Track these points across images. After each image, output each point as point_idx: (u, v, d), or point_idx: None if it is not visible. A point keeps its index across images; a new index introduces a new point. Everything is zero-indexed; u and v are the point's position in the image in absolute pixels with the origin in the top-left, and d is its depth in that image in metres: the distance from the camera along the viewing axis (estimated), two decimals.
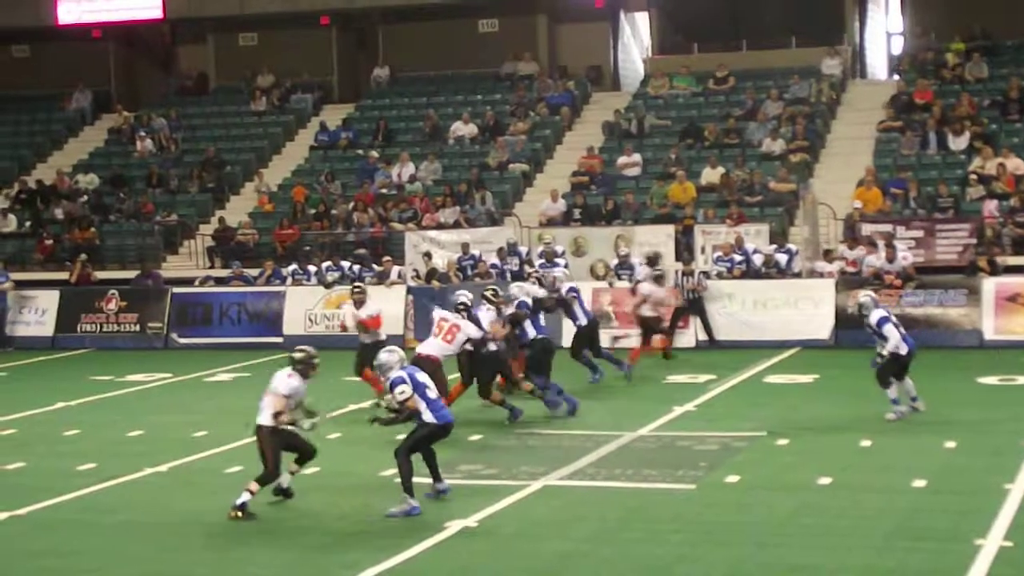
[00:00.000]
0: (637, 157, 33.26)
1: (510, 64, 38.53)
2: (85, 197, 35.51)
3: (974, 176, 29.78)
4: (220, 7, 39.26)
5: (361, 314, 20.38)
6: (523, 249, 28.92)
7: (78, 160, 38.23)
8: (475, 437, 17.59)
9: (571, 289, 22.13)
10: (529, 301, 20.06)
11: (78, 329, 29.54)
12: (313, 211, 32.89)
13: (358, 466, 16.09)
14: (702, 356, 24.98)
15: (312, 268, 29.22)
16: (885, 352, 17.91)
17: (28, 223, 34.84)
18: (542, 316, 20.56)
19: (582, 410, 18.90)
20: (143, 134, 37.98)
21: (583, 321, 21.68)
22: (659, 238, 28.77)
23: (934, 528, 12.68)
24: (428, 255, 28.79)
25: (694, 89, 36.29)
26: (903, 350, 17.92)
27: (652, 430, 17.97)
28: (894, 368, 17.99)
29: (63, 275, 31.29)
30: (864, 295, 18.89)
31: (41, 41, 41.15)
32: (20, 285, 30.35)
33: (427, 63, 38.92)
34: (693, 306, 26.09)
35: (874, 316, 18.06)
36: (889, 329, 17.89)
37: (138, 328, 29.27)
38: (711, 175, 31.76)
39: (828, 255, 27.31)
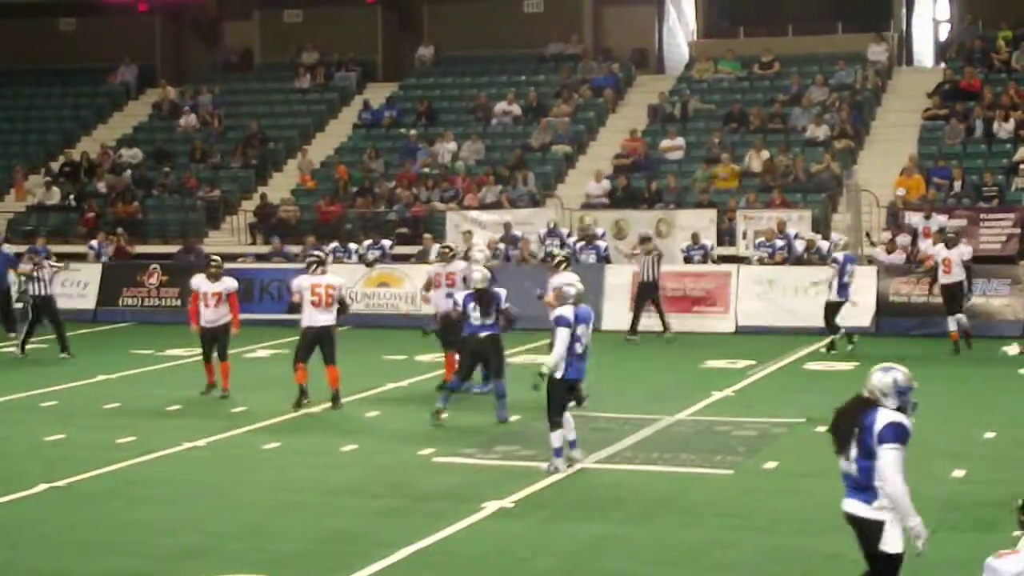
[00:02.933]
0: (680, 141, 33.15)
1: (555, 45, 38.43)
2: (129, 171, 35.68)
3: (1022, 165, 29.54)
4: None
5: (216, 289, 19.25)
6: (564, 231, 28.88)
7: (122, 134, 38.39)
8: (513, 418, 17.57)
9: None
10: (459, 297, 18.32)
11: (119, 303, 29.70)
12: (355, 189, 32.95)
13: (395, 445, 16.11)
14: (741, 341, 24.89)
15: (353, 246, 29.27)
16: None
17: (72, 196, 35.04)
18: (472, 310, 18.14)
19: (620, 393, 18.81)
20: (187, 109, 38.11)
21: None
22: (701, 222, 28.67)
23: (973, 518, 12.60)
24: (469, 233, 28.70)
25: (739, 73, 36.12)
26: None
27: (690, 415, 17.92)
28: None
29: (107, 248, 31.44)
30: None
31: (88, 15, 41.28)
32: (61, 257, 30.45)
33: (471, 43, 38.86)
34: (646, 290, 25.24)
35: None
36: None
37: (179, 303, 29.33)
38: (754, 160, 31.61)
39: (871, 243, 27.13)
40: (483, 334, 17.58)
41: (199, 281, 19.42)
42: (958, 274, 23.62)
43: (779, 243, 27.13)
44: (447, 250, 20.41)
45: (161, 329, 27.71)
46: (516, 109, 35.73)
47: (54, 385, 20.62)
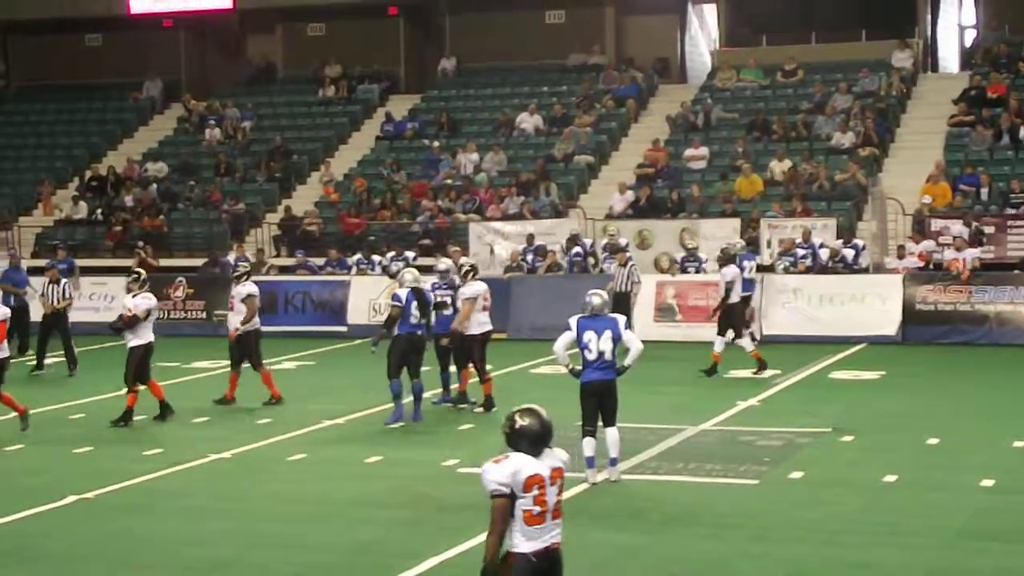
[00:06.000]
0: (703, 150, 33.13)
1: (577, 55, 38.46)
2: (154, 185, 35.83)
3: None
4: None
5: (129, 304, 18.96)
6: (587, 241, 28.88)
7: (148, 148, 38.58)
8: None
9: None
10: (402, 293, 18.29)
11: None
12: (378, 201, 33.02)
13: (419, 456, 16.12)
14: (766, 351, 24.83)
15: (377, 258, 29.33)
16: None
17: (98, 211, 35.20)
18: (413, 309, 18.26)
19: (644, 403, 18.77)
20: (212, 123, 38.27)
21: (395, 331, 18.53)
22: (724, 231, 28.62)
23: (1002, 528, 12.52)
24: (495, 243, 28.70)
25: (762, 82, 36.09)
26: None
27: (715, 424, 17.88)
28: None
29: (131, 262, 31.53)
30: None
31: (113, 30, 41.51)
32: (87, 272, 30.57)
33: (494, 54, 38.93)
34: (620, 301, 23.77)
35: None
36: None
37: (204, 315, 29.50)
38: (778, 169, 31.56)
39: (900, 251, 27.02)
40: (419, 332, 18.23)
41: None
42: None
43: (801, 252, 27.07)
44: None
45: (187, 341, 27.78)
46: (538, 120, 35.77)
47: (81, 398, 20.71)
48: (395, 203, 32.80)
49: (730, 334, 22.28)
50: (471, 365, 19.24)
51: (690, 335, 25.84)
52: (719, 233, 28.37)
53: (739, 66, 36.54)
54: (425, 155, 35.20)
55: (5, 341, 17.75)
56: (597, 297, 14.45)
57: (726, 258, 22.46)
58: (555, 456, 7.97)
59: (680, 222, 29.79)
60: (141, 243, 31.97)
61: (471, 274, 19.32)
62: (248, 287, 20.03)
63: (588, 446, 14.30)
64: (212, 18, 41.21)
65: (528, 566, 7.79)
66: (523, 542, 7.78)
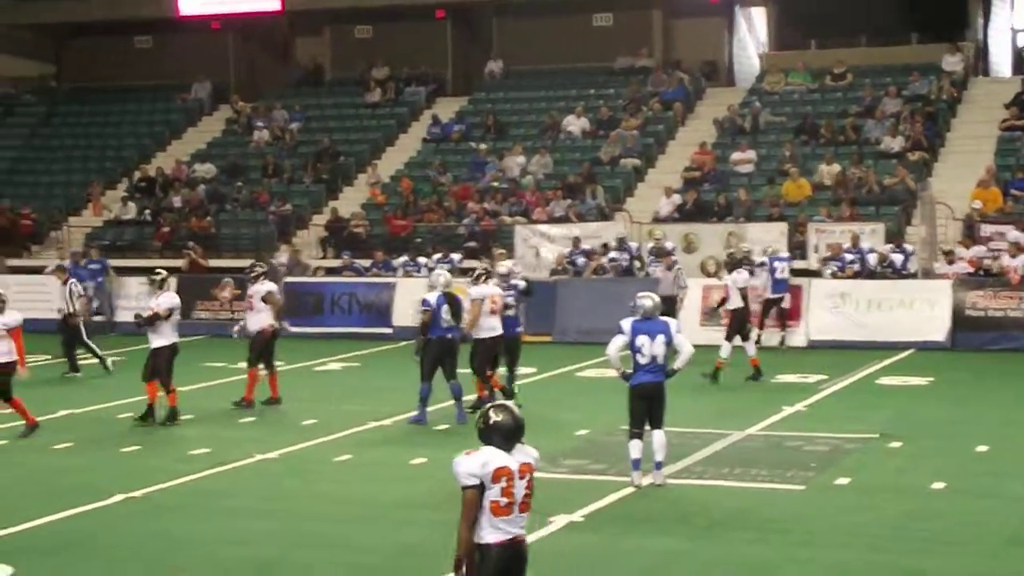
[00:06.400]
0: (751, 154, 32.99)
1: (624, 58, 38.39)
2: (202, 186, 36.04)
3: None
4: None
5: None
6: (633, 244, 28.82)
7: (196, 149, 38.81)
8: (581, 432, 17.55)
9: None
10: (431, 297, 18.37)
11: (193, 316, 29.93)
12: (424, 203, 33.08)
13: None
14: (813, 356, 24.71)
15: (422, 260, 29.38)
16: None
17: (147, 211, 35.43)
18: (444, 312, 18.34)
19: (690, 408, 18.71)
20: (260, 124, 38.44)
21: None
22: (771, 235, 28.50)
23: None
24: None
25: (810, 85, 35.92)
26: None
27: (761, 429, 17.80)
28: None
29: (180, 262, 31.75)
30: None
31: (163, 32, 41.78)
32: (135, 272, 30.70)
33: (541, 56, 38.90)
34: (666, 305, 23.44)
35: None
36: None
37: None
38: (826, 173, 31.40)
39: (949, 256, 26.81)
40: (450, 336, 18.36)
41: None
42: None
43: (848, 257, 26.92)
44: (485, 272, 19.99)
45: (233, 342, 27.81)
46: (585, 123, 35.73)
47: (128, 398, 20.81)
48: (441, 205, 32.85)
49: (754, 333, 22.39)
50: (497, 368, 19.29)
51: (735, 340, 25.70)
52: (766, 237, 28.25)
53: (787, 69, 36.37)
54: (471, 157, 35.23)
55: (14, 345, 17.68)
56: (648, 300, 14.45)
57: (733, 263, 22.57)
58: (526, 452, 8.27)
59: (727, 226, 29.69)
60: (191, 243, 32.18)
61: (483, 278, 19.29)
62: (267, 285, 20.33)
63: (635, 449, 14.28)
64: (260, 20, 41.39)
65: (493, 557, 8.10)
66: (489, 533, 8.11)
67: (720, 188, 31.62)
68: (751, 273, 23.56)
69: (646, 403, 14.31)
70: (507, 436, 8.18)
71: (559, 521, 12.90)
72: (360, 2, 39.69)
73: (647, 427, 14.35)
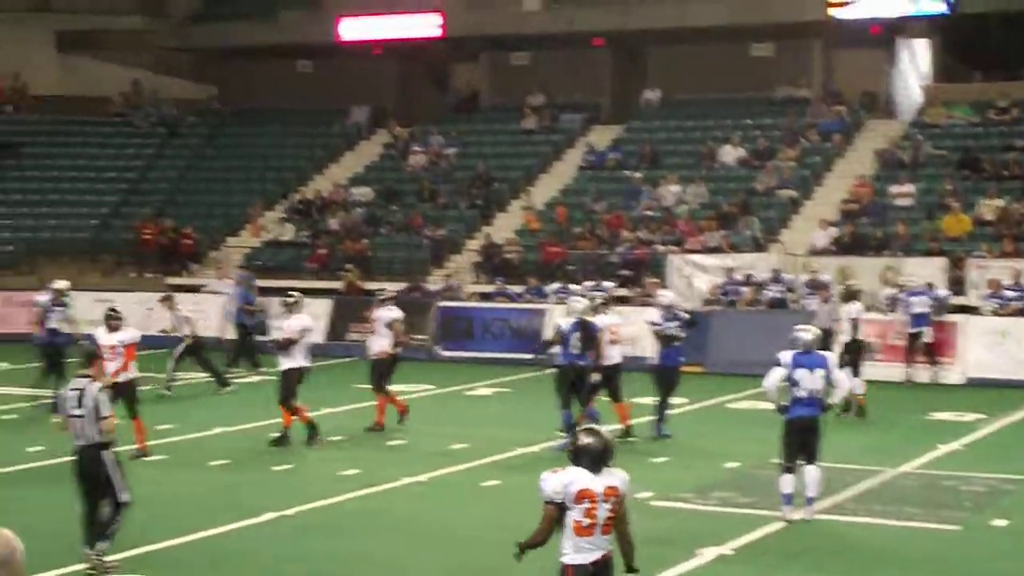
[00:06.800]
0: (910, 187, 32.46)
1: (783, 89, 38.06)
2: (359, 209, 36.53)
3: None
4: (498, 26, 39.88)
5: (112, 340, 17.95)
6: (788, 277, 28.52)
7: (354, 173, 39.36)
8: (731, 465, 17.40)
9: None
10: (564, 324, 18.56)
11: (346, 338, 30.33)
12: (578, 230, 33.13)
13: None
14: (971, 393, 24.20)
15: (574, 287, 29.37)
16: None
17: (304, 233, 36.02)
18: (575, 339, 18.46)
19: (842, 443, 18.44)
20: (416, 149, 38.88)
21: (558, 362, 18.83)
22: (929, 270, 27.98)
23: None
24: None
25: (972, 119, 35.21)
26: None
27: (915, 467, 17.48)
28: None
29: (336, 284, 32.22)
30: None
31: (324, 57, 42.49)
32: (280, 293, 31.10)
33: (698, 86, 38.74)
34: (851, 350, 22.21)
35: None
36: None
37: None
38: (988, 208, 30.76)
39: None
40: (581, 363, 18.41)
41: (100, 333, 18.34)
42: None
43: (1010, 294, 26.33)
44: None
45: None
46: (741, 152, 35.50)
47: (279, 417, 21.15)
48: (594, 233, 32.87)
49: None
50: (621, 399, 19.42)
51: (890, 375, 25.34)
52: (923, 272, 27.73)
53: (949, 102, 35.72)
54: (626, 186, 35.20)
55: (134, 363, 17.97)
56: (809, 333, 14.38)
57: (848, 295, 22.43)
58: (614, 475, 8.48)
59: (884, 260, 29.23)
60: (349, 265, 32.63)
61: (601, 307, 19.50)
62: (394, 311, 20.38)
63: (787, 483, 14.13)
64: (419, 47, 41.90)
65: (585, 573, 8.39)
66: (574, 553, 8.43)
67: (878, 221, 31.15)
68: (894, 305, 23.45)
69: (801, 437, 14.17)
70: (595, 459, 8.41)
71: (708, 553, 12.80)
72: (518, 29, 39.96)
73: (800, 461, 14.19)
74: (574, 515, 8.34)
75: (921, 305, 25.41)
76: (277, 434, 18.84)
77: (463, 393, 24.60)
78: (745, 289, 28.48)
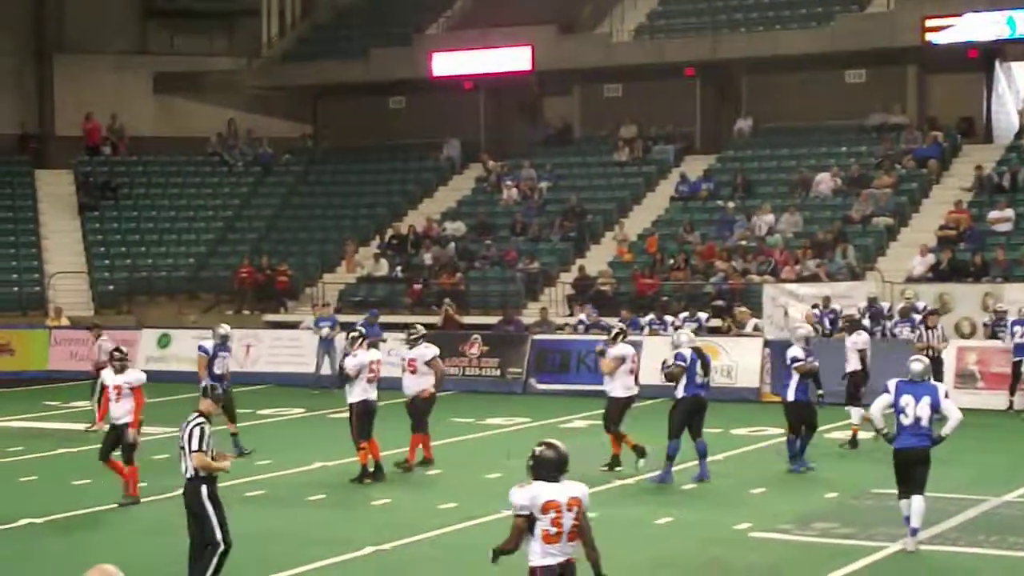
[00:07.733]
0: (1010, 212, 32.01)
1: (877, 115, 37.72)
2: (452, 243, 36.70)
3: None
4: (588, 59, 39.94)
5: (118, 380, 17.44)
6: (884, 305, 28.19)
7: (447, 207, 39.55)
8: (830, 495, 17.21)
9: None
10: (686, 353, 18.32)
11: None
12: (671, 261, 33.02)
13: (711, 518, 15.94)
14: None
15: (669, 318, 29.28)
16: None
17: (398, 268, 36.25)
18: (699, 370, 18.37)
19: (944, 473, 18.14)
20: (509, 183, 39.00)
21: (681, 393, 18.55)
22: None
23: None
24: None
25: None
26: None
27: (1019, 496, 17.17)
28: None
29: (431, 319, 32.31)
30: None
31: (416, 92, 42.79)
32: (387, 328, 31.33)
33: (791, 114, 38.51)
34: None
35: None
36: None
37: (499, 372, 29.99)
38: None
39: None
40: (703, 393, 18.35)
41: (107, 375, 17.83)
42: None
43: None
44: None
45: (481, 398, 28.27)
46: (836, 180, 35.22)
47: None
48: (688, 263, 32.75)
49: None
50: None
51: (990, 403, 24.93)
52: (1022, 298, 27.31)
53: None
54: (719, 215, 35.05)
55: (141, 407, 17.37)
56: (919, 363, 14.31)
57: (852, 325, 22.57)
58: (575, 487, 9.29)
59: (983, 286, 28.83)
60: (448, 300, 32.79)
61: (620, 336, 19.79)
62: (431, 349, 20.00)
63: (905, 507, 14.19)
64: (511, 81, 42.08)
65: (552, 574, 9.16)
66: (540, 558, 9.18)
67: (976, 247, 30.74)
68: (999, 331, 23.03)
69: (906, 467, 14.07)
70: (552, 468, 9.27)
71: None
72: (609, 62, 39.97)
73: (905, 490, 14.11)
74: (543, 524, 9.11)
75: (1022, 335, 24.97)
76: (370, 468, 18.88)
77: (558, 426, 24.55)
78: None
